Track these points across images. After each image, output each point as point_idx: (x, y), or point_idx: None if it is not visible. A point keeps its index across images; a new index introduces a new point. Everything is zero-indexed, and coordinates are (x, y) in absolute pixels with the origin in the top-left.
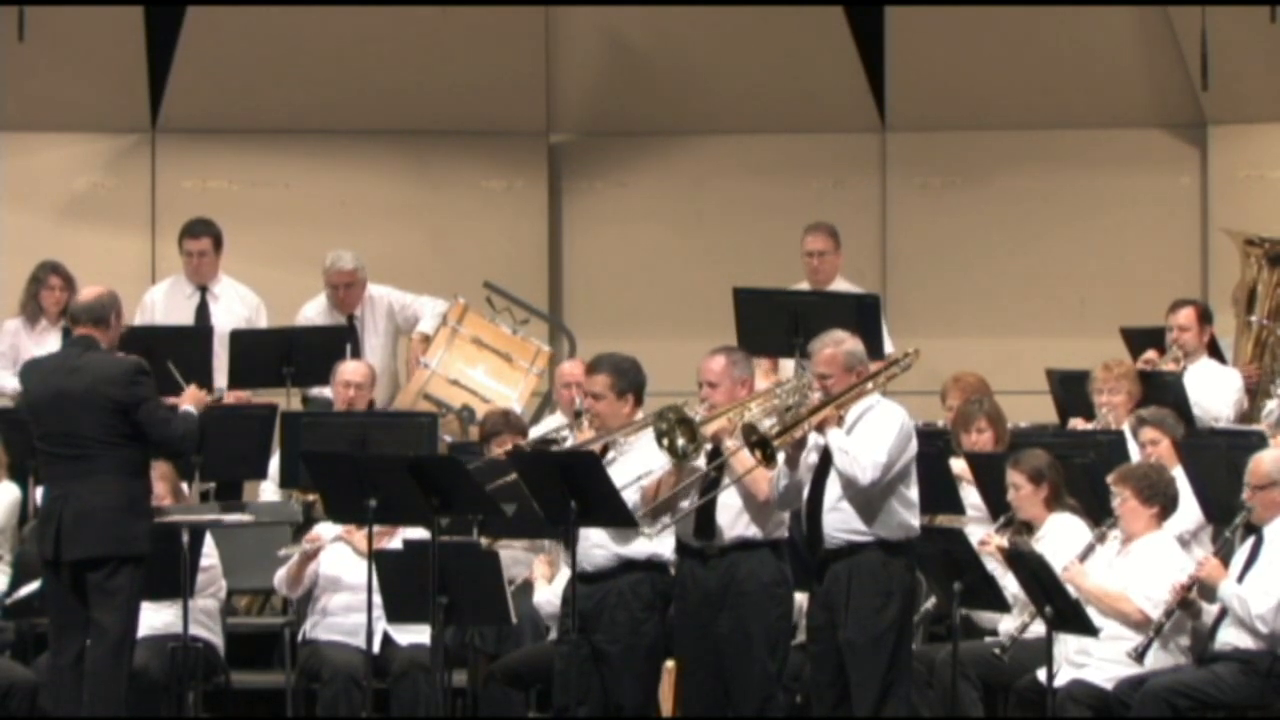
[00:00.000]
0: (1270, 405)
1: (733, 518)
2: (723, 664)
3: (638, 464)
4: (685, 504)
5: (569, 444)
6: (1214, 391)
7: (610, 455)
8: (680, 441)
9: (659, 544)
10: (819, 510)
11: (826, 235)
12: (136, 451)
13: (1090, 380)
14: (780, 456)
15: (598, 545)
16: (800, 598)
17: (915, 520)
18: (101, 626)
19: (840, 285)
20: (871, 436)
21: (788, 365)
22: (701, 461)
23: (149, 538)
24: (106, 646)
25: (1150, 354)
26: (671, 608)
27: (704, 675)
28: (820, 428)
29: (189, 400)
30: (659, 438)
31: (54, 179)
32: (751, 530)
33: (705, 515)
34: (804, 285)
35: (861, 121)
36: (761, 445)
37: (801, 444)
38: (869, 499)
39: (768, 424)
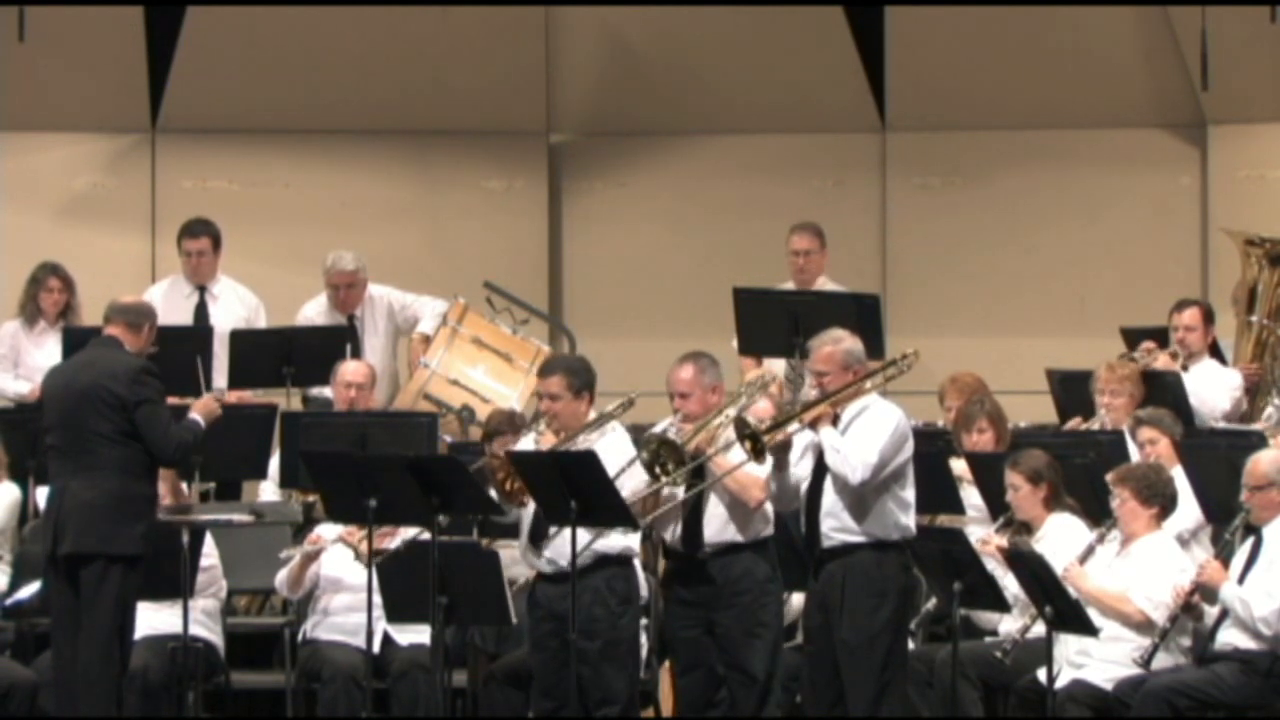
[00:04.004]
0: (1270, 410)
1: (720, 526)
2: (717, 664)
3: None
4: (680, 495)
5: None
6: (1213, 389)
7: None
8: (670, 465)
9: (632, 538)
10: (817, 510)
11: (812, 235)
12: (140, 452)
13: (1093, 380)
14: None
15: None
16: (796, 598)
17: (910, 520)
18: (90, 626)
19: (825, 285)
20: (864, 436)
21: (778, 365)
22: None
23: (145, 540)
24: (95, 647)
25: (1148, 343)
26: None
27: (699, 675)
28: (814, 425)
29: (200, 409)
30: (648, 467)
31: (54, 179)
32: (736, 535)
33: (692, 528)
34: (789, 285)
35: (861, 121)
36: (752, 439)
37: (787, 446)
38: (862, 498)
39: (756, 420)
